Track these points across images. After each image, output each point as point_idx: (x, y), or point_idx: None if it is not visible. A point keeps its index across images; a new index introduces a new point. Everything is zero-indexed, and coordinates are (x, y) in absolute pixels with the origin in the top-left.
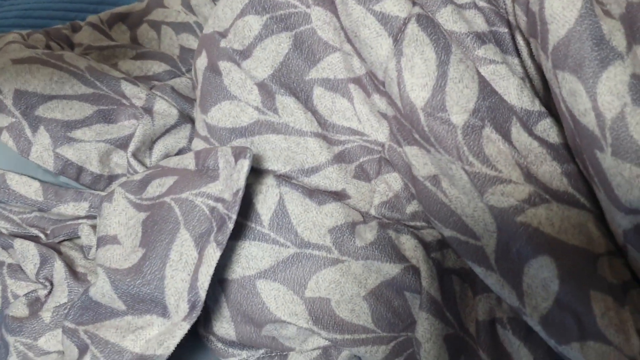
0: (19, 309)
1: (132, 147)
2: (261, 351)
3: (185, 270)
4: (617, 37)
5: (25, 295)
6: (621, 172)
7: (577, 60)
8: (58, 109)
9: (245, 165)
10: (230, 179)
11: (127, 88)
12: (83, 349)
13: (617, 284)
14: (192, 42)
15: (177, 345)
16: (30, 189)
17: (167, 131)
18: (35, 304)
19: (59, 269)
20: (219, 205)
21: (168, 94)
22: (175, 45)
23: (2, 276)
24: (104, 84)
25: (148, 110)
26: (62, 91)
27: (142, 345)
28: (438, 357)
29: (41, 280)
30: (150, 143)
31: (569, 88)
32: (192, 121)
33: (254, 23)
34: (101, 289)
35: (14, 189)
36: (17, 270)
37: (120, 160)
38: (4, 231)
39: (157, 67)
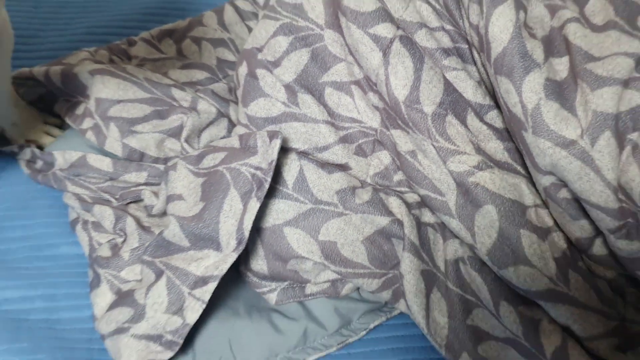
0: (104, 251)
1: (184, 135)
2: (286, 283)
3: (234, 217)
4: (537, 52)
5: (107, 241)
6: (538, 145)
7: (509, 68)
8: (124, 110)
9: (277, 144)
10: (266, 154)
11: (176, 93)
12: (159, 274)
13: (540, 227)
14: (226, 54)
15: (224, 278)
16: (103, 163)
17: (210, 123)
18: (115, 248)
19: (130, 223)
20: (258, 172)
21: (209, 95)
22: (213, 57)
23: (88, 230)
24: (158, 90)
25: (194, 109)
26: (126, 96)
27: (202, 270)
28: (416, 286)
29: (117, 232)
30: (198, 132)
31: (504, 88)
32: (228, 116)
33: (283, 42)
34: (172, 232)
35: (91, 164)
36: (98, 226)
37: (172, 146)
38: (86, 198)
39: (199, 75)
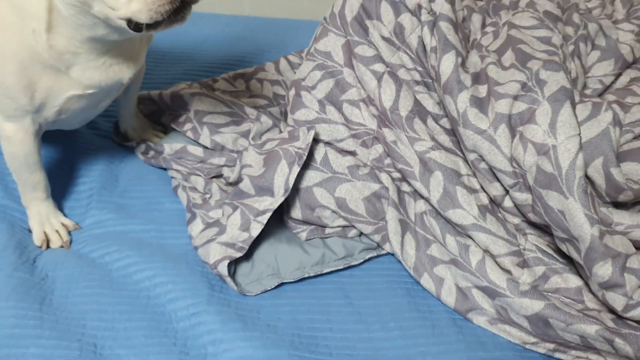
0: (198, 201)
1: (251, 136)
2: (312, 226)
3: (283, 176)
4: (467, 81)
5: (199, 196)
6: (465, 133)
7: (450, 89)
8: (213, 118)
9: (312, 134)
10: (305, 140)
11: (247, 110)
12: (235, 208)
13: (470, 187)
14: (279, 90)
15: (272, 220)
16: (197, 151)
17: (267, 130)
18: (205, 200)
19: (214, 186)
20: (300, 150)
21: (267, 114)
22: (270, 92)
23: (186, 191)
24: (235, 107)
25: (258, 120)
26: (215, 110)
27: (263, 206)
28: (395, 229)
29: (206, 192)
30: (260, 135)
31: (448, 101)
32: (279, 127)
33: (318, 74)
34: (245, 184)
35: (189, 152)
36: (193, 189)
37: (243, 143)
38: (184, 172)
39: (261, 102)
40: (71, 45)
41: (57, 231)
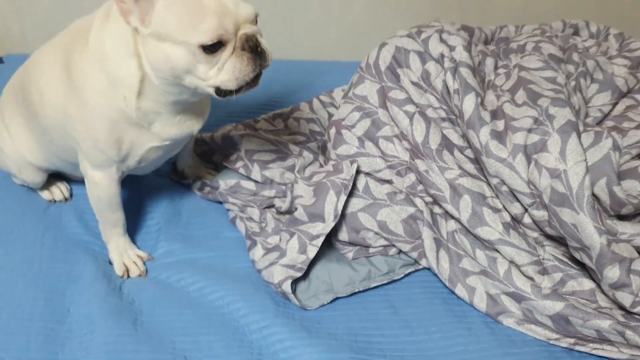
0: (256, 229)
1: (296, 169)
2: (357, 247)
3: (332, 204)
4: (487, 117)
5: (257, 225)
6: (488, 162)
7: (473, 125)
8: (261, 156)
9: (355, 167)
10: (349, 172)
11: (290, 147)
12: (292, 234)
13: (494, 207)
14: (315, 127)
15: (323, 244)
16: (250, 185)
17: (310, 164)
18: (262, 228)
19: (269, 216)
20: (345, 181)
21: (307, 149)
22: (307, 129)
23: (244, 221)
24: (280, 145)
25: (300, 155)
26: (262, 149)
27: (316, 231)
28: (431, 246)
29: (262, 221)
30: (303, 168)
31: (471, 135)
32: (318, 160)
33: (356, 114)
34: (299, 213)
35: (243, 186)
36: (249, 219)
37: (289, 176)
38: (238, 204)
39: (300, 138)
40: (156, 107)
41: (134, 262)
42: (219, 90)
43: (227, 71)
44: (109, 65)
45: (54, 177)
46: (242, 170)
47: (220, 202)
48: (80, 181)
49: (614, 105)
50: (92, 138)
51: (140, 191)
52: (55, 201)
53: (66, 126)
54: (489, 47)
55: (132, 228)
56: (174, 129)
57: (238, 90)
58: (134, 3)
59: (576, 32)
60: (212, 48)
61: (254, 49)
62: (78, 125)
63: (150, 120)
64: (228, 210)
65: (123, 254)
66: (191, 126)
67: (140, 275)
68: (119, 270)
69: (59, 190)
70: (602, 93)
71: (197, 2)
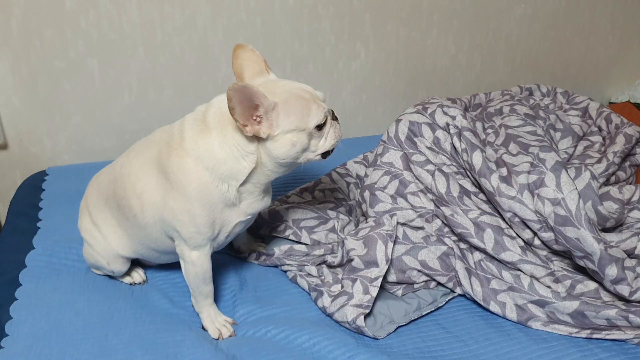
0: (317, 283)
1: (337, 230)
2: (404, 285)
3: (382, 252)
4: (493, 166)
5: (317, 277)
6: (501, 200)
7: (483, 174)
8: (306, 222)
9: (395, 219)
10: (391, 223)
11: (328, 212)
12: (354, 280)
13: (510, 235)
14: (338, 195)
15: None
16: (301, 248)
17: (347, 224)
18: (323, 281)
19: (325, 270)
20: (389, 231)
21: (342, 212)
22: (332, 197)
23: (304, 278)
24: (320, 211)
25: (338, 218)
26: (306, 216)
27: (373, 274)
28: (464, 275)
29: (320, 275)
30: (342, 228)
31: (484, 182)
32: (353, 221)
33: (386, 178)
34: (356, 262)
35: (296, 249)
36: (309, 275)
37: (332, 237)
38: (294, 264)
39: (330, 205)
40: (252, 188)
41: (224, 326)
42: (324, 154)
43: (331, 137)
44: (223, 167)
45: (132, 264)
46: (292, 237)
47: (277, 266)
48: (153, 267)
49: (575, 147)
50: (194, 224)
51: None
52: (135, 284)
53: (167, 219)
54: (472, 113)
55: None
56: (256, 204)
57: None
58: (264, 115)
59: (531, 94)
60: (321, 125)
61: (335, 117)
62: (182, 216)
63: (242, 199)
64: (285, 271)
65: (214, 320)
66: (267, 201)
67: (230, 336)
68: (214, 334)
69: (138, 275)
70: (565, 139)
71: (301, 98)
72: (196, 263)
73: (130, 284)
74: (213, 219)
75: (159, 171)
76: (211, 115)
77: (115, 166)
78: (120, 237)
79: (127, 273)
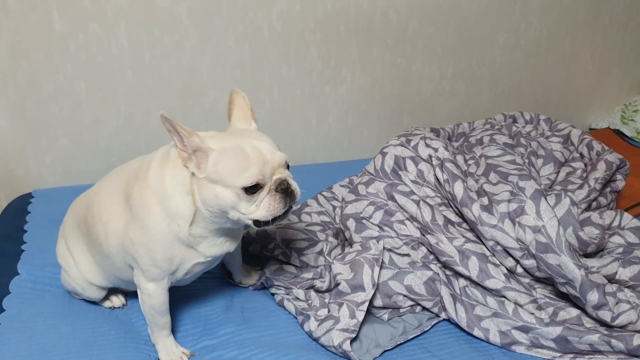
0: (305, 307)
1: (325, 253)
2: (389, 310)
3: (368, 276)
4: (474, 196)
5: (304, 302)
6: (483, 229)
7: (465, 203)
8: (296, 244)
9: (382, 243)
10: (377, 248)
11: (318, 235)
12: (340, 304)
13: (494, 263)
14: (325, 218)
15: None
16: (290, 269)
17: (334, 247)
18: (310, 305)
19: (313, 294)
20: (376, 256)
21: (330, 235)
22: (319, 220)
23: (291, 302)
24: (310, 233)
25: (327, 240)
26: (296, 237)
27: (360, 299)
28: (449, 301)
29: (307, 299)
30: (330, 251)
31: (465, 211)
32: (340, 244)
33: (371, 208)
34: (342, 286)
35: (285, 270)
36: (296, 299)
37: (322, 260)
38: (282, 286)
39: (317, 228)
40: (203, 232)
41: (180, 358)
42: (256, 222)
43: (263, 208)
44: (170, 203)
45: (111, 289)
46: (281, 257)
47: (265, 288)
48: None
49: (557, 173)
50: (151, 257)
51: (198, 290)
52: (114, 308)
53: (127, 249)
54: (454, 144)
55: (199, 316)
56: (215, 249)
57: (272, 222)
58: (192, 153)
59: (514, 121)
60: (252, 190)
61: (284, 190)
62: (139, 248)
63: (198, 242)
64: (273, 294)
65: (170, 352)
66: (229, 246)
67: None
68: None
69: (117, 299)
70: (546, 165)
71: (242, 154)
72: (152, 295)
73: (110, 307)
74: (170, 256)
75: (125, 201)
76: (175, 148)
77: (90, 192)
78: (91, 264)
79: (107, 297)
